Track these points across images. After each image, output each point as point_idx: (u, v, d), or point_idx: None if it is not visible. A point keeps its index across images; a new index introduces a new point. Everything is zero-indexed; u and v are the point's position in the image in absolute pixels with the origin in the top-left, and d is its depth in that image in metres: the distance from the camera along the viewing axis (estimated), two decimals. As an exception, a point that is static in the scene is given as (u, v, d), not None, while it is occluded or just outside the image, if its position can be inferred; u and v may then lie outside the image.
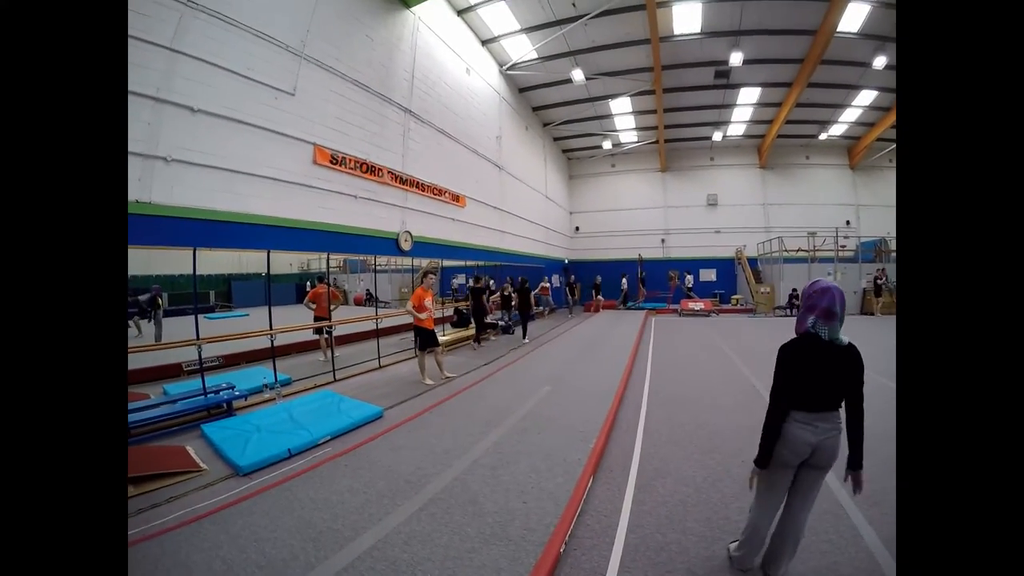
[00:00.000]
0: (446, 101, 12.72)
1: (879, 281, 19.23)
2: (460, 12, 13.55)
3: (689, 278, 23.08)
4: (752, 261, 23.39)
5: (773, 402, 2.40)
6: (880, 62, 15.84)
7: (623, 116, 21.01)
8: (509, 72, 16.50)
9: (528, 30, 14.42)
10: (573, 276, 22.55)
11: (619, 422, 5.37)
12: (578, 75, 15.52)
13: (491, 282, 14.51)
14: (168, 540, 3.02)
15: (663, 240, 25.38)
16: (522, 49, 15.44)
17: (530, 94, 18.81)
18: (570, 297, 20.99)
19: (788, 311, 19.29)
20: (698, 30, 14.48)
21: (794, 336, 2.42)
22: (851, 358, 2.32)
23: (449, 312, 13.34)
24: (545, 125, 21.56)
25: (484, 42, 15.04)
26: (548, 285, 20.31)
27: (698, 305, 20.07)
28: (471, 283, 12.30)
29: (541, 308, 18.09)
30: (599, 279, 21.95)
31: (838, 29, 14.15)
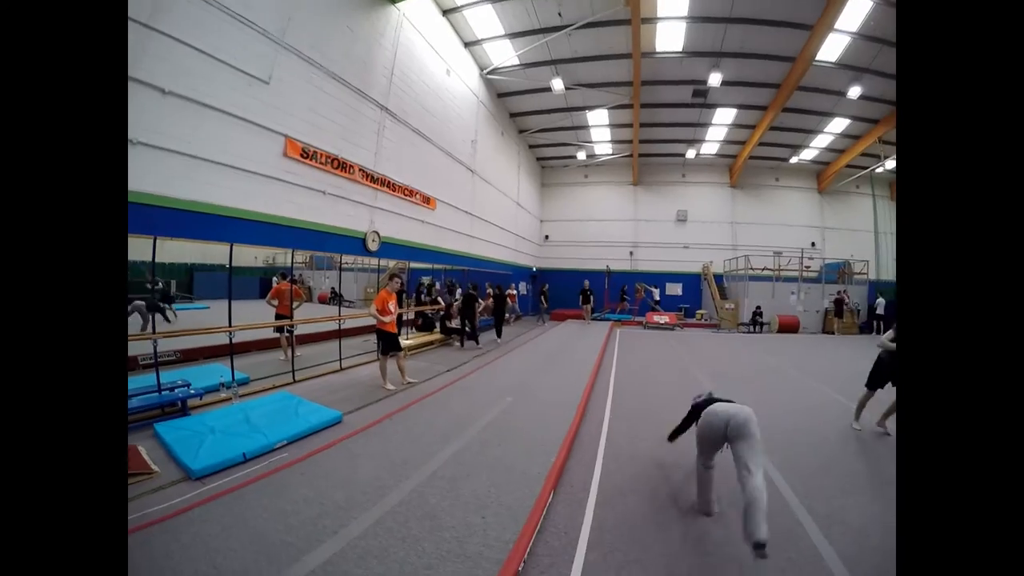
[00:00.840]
0: (423, 101, 12.64)
1: (843, 303, 20.32)
2: (446, 12, 13.55)
3: (656, 291, 23.49)
4: (718, 278, 24.04)
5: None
6: (855, 92, 16.50)
7: (599, 128, 21.31)
8: (489, 76, 16.58)
9: (512, 36, 14.52)
10: (546, 285, 22.69)
11: (581, 436, 5.38)
12: (558, 84, 15.65)
13: (458, 287, 14.60)
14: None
15: (631, 253, 25.84)
16: (504, 54, 15.53)
17: (508, 100, 18.90)
18: (542, 305, 21.22)
19: (751, 328, 19.99)
20: (680, 49, 14.85)
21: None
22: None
23: (414, 316, 13.27)
24: (521, 132, 21.70)
25: (467, 44, 15.06)
26: (515, 292, 20.43)
27: (663, 318, 20.43)
28: (468, 289, 12.45)
29: (508, 315, 18.14)
30: (587, 284, 21.58)
31: (817, 58, 14.71)
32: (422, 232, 12.97)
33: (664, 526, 3.43)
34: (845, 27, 13.47)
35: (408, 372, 7.88)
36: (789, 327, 20.23)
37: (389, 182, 11.21)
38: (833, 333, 20.07)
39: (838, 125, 20.20)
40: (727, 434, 3.20)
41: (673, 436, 3.89)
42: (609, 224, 26.11)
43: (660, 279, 24.80)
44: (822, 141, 22.08)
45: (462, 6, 13.28)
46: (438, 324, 13.15)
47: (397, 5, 10.97)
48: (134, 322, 6.96)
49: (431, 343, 11.89)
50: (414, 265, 13.04)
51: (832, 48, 14.53)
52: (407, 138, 11.99)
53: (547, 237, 26.95)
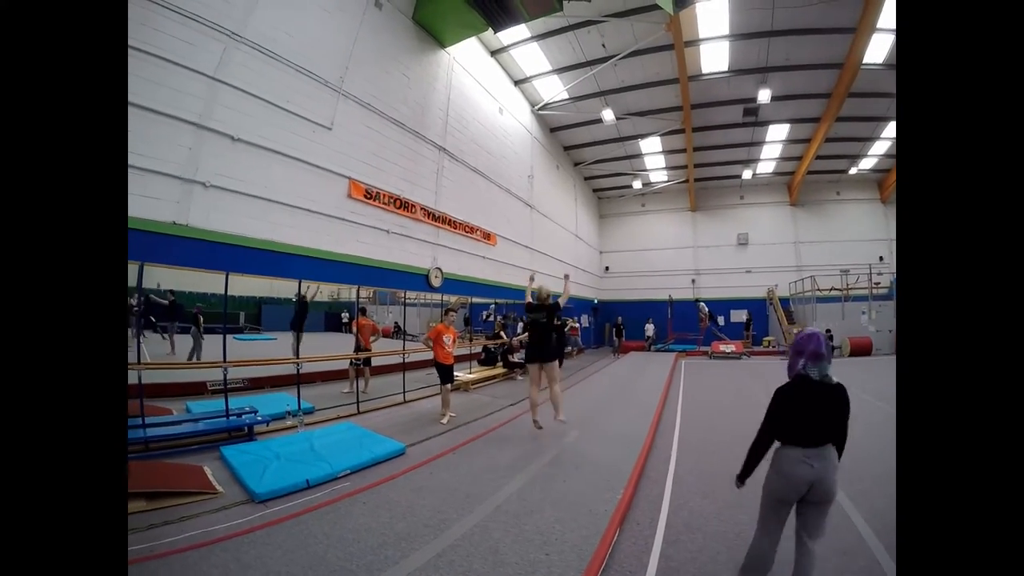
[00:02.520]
0: (479, 140, 12.80)
1: None
2: (493, 53, 13.77)
3: (720, 319, 22.32)
4: (784, 301, 22.53)
5: (761, 432, 2.62)
6: None
7: (653, 155, 20.86)
8: (541, 112, 16.63)
9: (559, 71, 14.57)
10: (620, 318, 21.81)
11: (647, 471, 4.96)
12: (608, 115, 15.53)
13: (520, 320, 14.21)
14: (176, 561, 2.83)
15: (693, 280, 24.74)
16: (553, 89, 15.58)
17: (561, 134, 18.87)
18: (616, 339, 20.54)
19: None
20: (725, 68, 14.46)
21: (787, 380, 2.64)
22: (839, 395, 2.53)
23: (478, 348, 13.14)
24: (576, 164, 21.55)
25: (517, 82, 15.23)
26: (577, 325, 19.96)
27: (729, 347, 19.00)
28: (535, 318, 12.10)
29: (570, 348, 17.65)
30: (620, 320, 21.26)
31: (864, 61, 13.83)
32: (483, 267, 12.93)
33: (733, 567, 3.01)
34: (888, 24, 12.39)
35: (468, 406, 7.58)
36: (861, 349, 18.27)
37: (450, 220, 11.29)
38: None
39: (894, 128, 18.61)
40: (807, 496, 2.52)
41: (743, 476, 2.83)
42: (669, 252, 25.20)
43: (724, 306, 23.39)
44: (880, 148, 20.45)
45: (509, 46, 13.45)
46: (500, 358, 12.91)
47: (447, 49, 11.19)
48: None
49: (494, 377, 11.62)
50: (476, 300, 12.97)
51: (878, 48, 13.54)
52: (465, 176, 12.10)
53: (607, 268, 26.28)
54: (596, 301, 24.63)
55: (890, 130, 18.83)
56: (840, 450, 2.54)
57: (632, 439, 5.94)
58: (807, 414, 2.53)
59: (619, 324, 21.00)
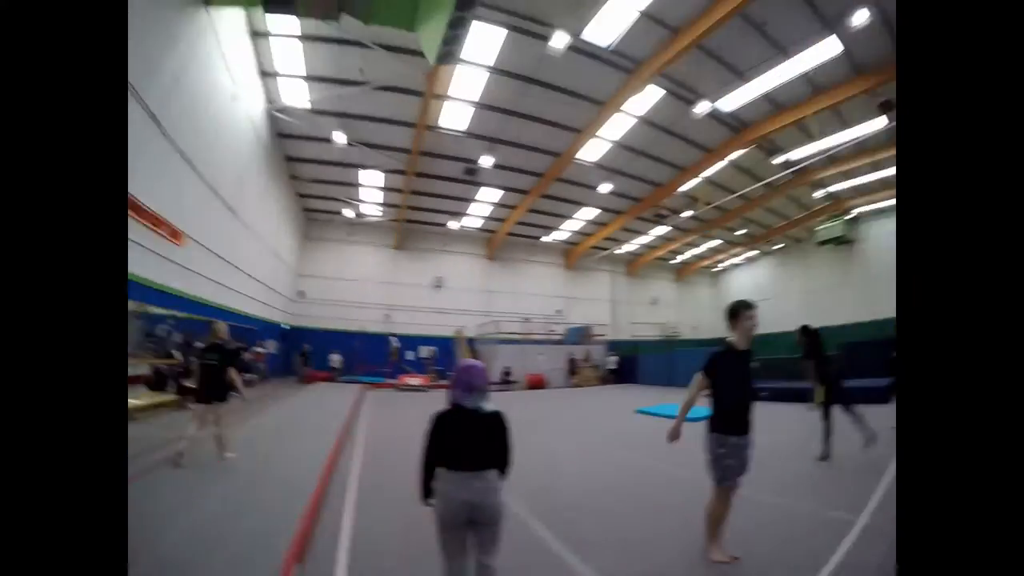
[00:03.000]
0: (198, 121, 10.75)
1: (574, 361, 24.54)
2: (256, 34, 12.63)
3: (410, 354, 24.10)
4: (471, 341, 25.46)
5: (423, 454, 2.76)
6: (606, 188, 20.56)
7: (371, 189, 21.36)
8: (277, 113, 15.52)
9: (311, 78, 14.13)
10: (307, 345, 21.64)
11: (329, 497, 4.75)
12: (340, 138, 15.60)
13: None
14: None
15: (387, 315, 25.84)
16: (297, 95, 14.91)
17: (288, 142, 17.81)
18: (303, 367, 20.18)
19: (502, 386, 21.78)
20: (463, 129, 16.18)
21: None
22: (495, 422, 2.79)
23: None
24: (293, 178, 20.54)
25: (264, 73, 14.09)
26: (263, 351, 18.73)
27: (416, 380, 20.66)
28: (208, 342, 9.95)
29: (253, 376, 16.39)
30: (307, 347, 21.38)
31: (578, 156, 17.70)
32: (164, 270, 10.19)
33: None
34: (607, 136, 16.71)
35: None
36: (537, 384, 22.88)
37: (135, 203, 8.61)
38: (579, 386, 23.63)
39: (588, 213, 24.42)
40: (474, 518, 2.65)
41: (422, 495, 2.82)
42: (368, 285, 25.84)
43: (414, 342, 25.29)
44: (573, 225, 26.35)
45: (272, 34, 12.55)
46: (173, 382, 11.02)
47: (209, 9, 9.87)
48: None
49: (163, 404, 10.03)
50: (154, 310, 10.81)
51: (593, 151, 17.73)
52: (168, 155, 9.72)
53: (302, 293, 24.97)
54: (287, 326, 23.12)
55: (584, 213, 24.19)
56: (504, 472, 2.78)
57: (310, 465, 5.85)
58: (462, 441, 2.72)
59: (305, 352, 20.82)
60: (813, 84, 14.60)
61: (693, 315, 38.29)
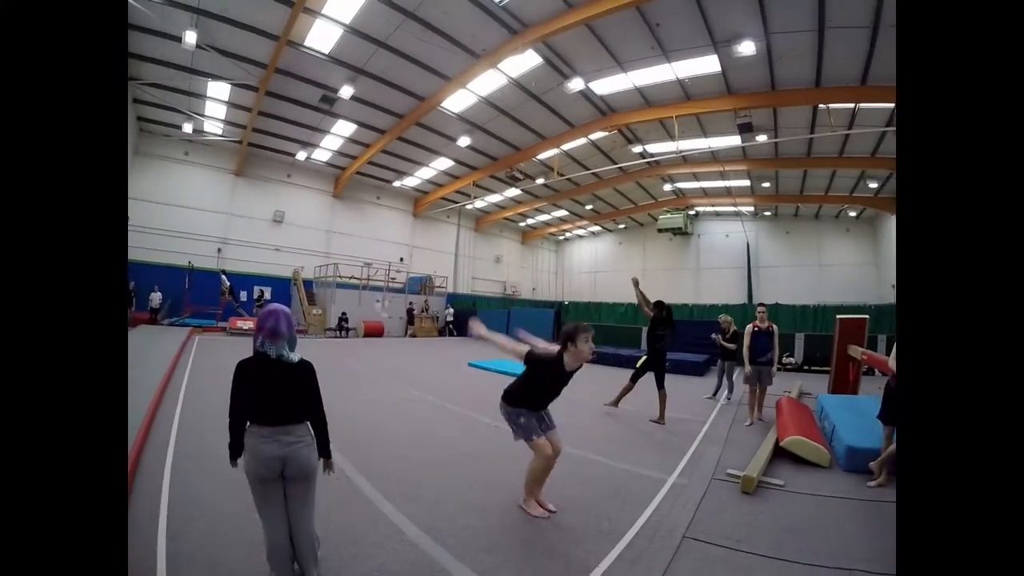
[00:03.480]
0: None
1: (411, 311, 25.19)
2: None
3: (243, 294, 22.44)
4: (308, 283, 24.77)
5: (230, 409, 2.67)
6: (464, 141, 20.68)
7: (216, 103, 18.97)
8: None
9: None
10: (133, 283, 19.01)
11: (143, 465, 4.48)
12: (191, 37, 13.46)
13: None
14: None
15: (219, 249, 23.44)
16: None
17: (132, 34, 14.59)
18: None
19: (338, 333, 21.67)
20: (327, 51, 15.11)
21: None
22: (302, 373, 2.71)
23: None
24: (130, 79, 17.03)
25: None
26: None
27: (248, 324, 19.36)
28: None
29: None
30: (132, 284, 18.86)
31: (442, 105, 17.58)
32: None
33: (241, 541, 3.19)
34: (477, 90, 16.75)
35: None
36: (375, 332, 22.99)
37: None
38: (416, 336, 24.31)
39: (443, 164, 24.32)
40: (286, 473, 2.64)
41: (231, 454, 2.76)
42: (202, 214, 22.80)
43: (248, 281, 23.51)
44: (426, 173, 26.13)
45: None
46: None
47: None
48: None
49: None
50: None
51: (459, 102, 17.66)
52: None
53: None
54: None
55: (439, 163, 24.03)
56: (317, 426, 2.75)
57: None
58: (268, 392, 2.62)
59: (131, 289, 18.43)
60: (685, 90, 16.15)
61: (533, 277, 41.22)
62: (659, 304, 7.90)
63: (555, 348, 3.87)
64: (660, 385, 7.50)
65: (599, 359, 15.44)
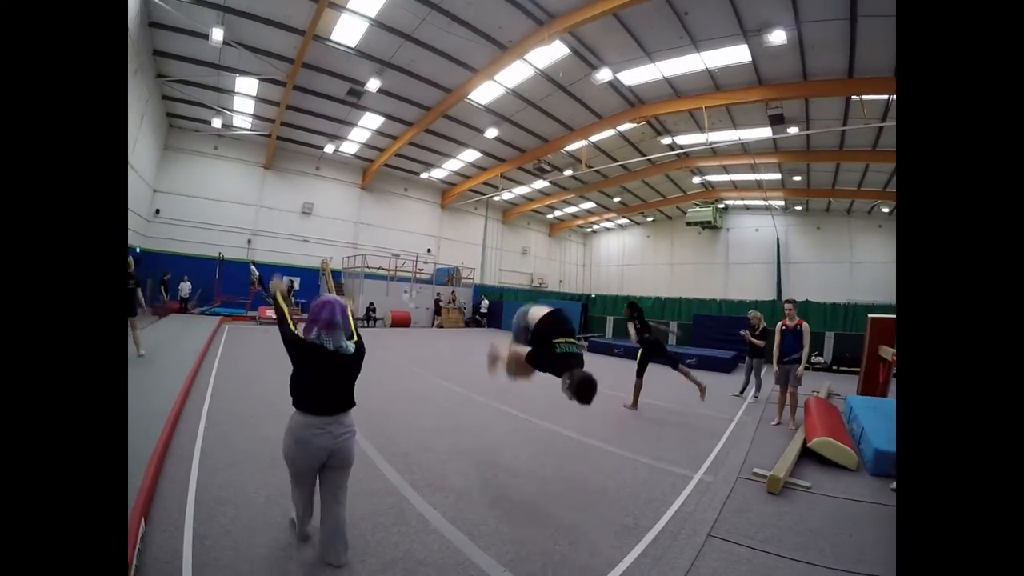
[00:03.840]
0: None
1: (438, 303, 25.38)
2: None
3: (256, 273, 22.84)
4: (336, 274, 24.95)
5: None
6: (492, 133, 20.69)
7: (244, 97, 19.24)
8: (153, -2, 13.17)
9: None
10: (168, 273, 19.60)
11: (172, 450, 4.54)
12: (218, 34, 13.74)
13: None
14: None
15: (249, 241, 23.89)
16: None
17: (159, 33, 15.23)
18: (162, 297, 18.69)
19: (365, 322, 21.89)
20: (353, 45, 15.21)
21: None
22: (358, 356, 2.77)
23: None
24: (159, 76, 17.68)
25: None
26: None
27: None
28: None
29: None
30: (167, 275, 19.48)
31: (470, 97, 17.59)
32: None
33: (268, 528, 3.27)
34: (504, 81, 16.73)
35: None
36: (402, 322, 23.25)
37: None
38: (442, 327, 24.55)
39: (470, 156, 24.38)
40: (328, 463, 2.78)
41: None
42: (231, 206, 23.27)
43: (276, 271, 23.27)
44: (453, 166, 26.21)
45: None
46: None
47: None
48: None
49: None
50: None
51: (486, 93, 17.66)
52: None
53: (158, 211, 21.72)
54: (139, 249, 19.71)
55: (466, 155, 24.08)
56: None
57: (153, 417, 5.01)
58: (324, 384, 2.69)
59: (165, 279, 19.03)
60: (715, 81, 15.90)
61: (561, 269, 41.15)
62: (631, 306, 8.74)
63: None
64: (675, 365, 8.15)
65: (625, 353, 15.48)
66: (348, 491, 2.93)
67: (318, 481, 2.85)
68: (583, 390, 3.68)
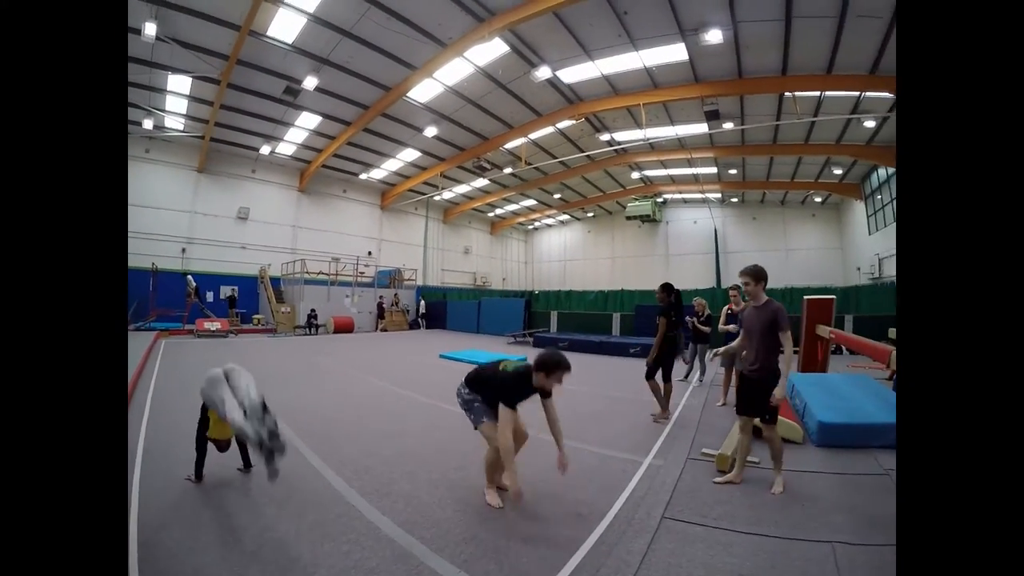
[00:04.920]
0: None
1: (381, 305, 24.94)
2: None
3: (209, 294, 21.83)
4: (275, 281, 24.21)
5: None
6: (431, 131, 20.52)
7: (177, 97, 18.18)
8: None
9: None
10: None
11: None
12: (151, 29, 12.90)
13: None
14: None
15: (184, 250, 22.59)
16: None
17: None
18: None
19: (307, 330, 21.25)
20: (290, 41, 14.75)
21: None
22: None
23: None
24: None
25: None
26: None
27: (215, 325, 19.00)
28: None
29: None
30: None
31: (409, 95, 17.32)
32: None
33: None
34: (443, 79, 16.54)
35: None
36: (345, 327, 22.62)
37: None
38: (386, 331, 23.99)
39: (410, 155, 24.10)
40: (225, 372, 3.86)
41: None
42: (164, 213, 21.83)
43: (213, 281, 22.84)
44: (392, 165, 25.81)
45: None
46: None
47: None
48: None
49: None
50: None
51: (425, 91, 17.44)
52: None
53: None
54: None
55: (406, 154, 23.79)
56: None
57: None
58: None
59: None
60: (653, 78, 16.25)
61: (503, 267, 41.39)
62: (667, 288, 7.07)
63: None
64: (667, 378, 6.81)
65: (570, 346, 15.55)
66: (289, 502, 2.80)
67: None
68: (549, 358, 3.58)
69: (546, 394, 3.70)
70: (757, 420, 4.21)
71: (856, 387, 6.68)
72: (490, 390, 3.75)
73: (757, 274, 4.23)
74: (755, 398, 4.12)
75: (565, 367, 3.58)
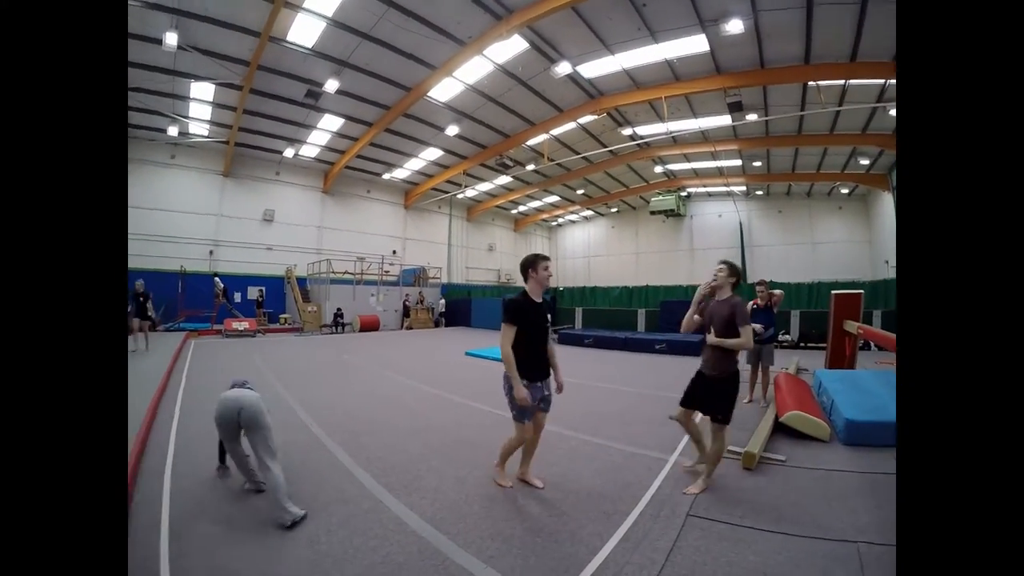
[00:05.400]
0: None
1: (406, 305, 25.35)
2: None
3: (236, 295, 22.26)
4: (301, 281, 24.63)
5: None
6: (453, 130, 20.62)
7: (200, 103, 18.51)
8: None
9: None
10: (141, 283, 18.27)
11: (143, 471, 4.38)
12: (172, 39, 13.24)
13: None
14: None
15: (211, 252, 23.05)
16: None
17: None
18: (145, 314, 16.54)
19: (333, 329, 21.62)
20: (310, 46, 14.90)
21: None
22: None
23: None
24: None
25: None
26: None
27: (243, 325, 19.47)
28: None
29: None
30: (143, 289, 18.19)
31: (429, 94, 17.47)
32: None
33: (241, 542, 3.19)
34: (463, 78, 16.63)
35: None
36: (370, 326, 23.01)
37: None
38: (412, 328, 24.45)
39: (432, 154, 24.24)
40: (240, 422, 3.61)
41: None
42: (191, 217, 22.31)
43: (240, 282, 23.27)
44: (415, 164, 26.04)
45: None
46: None
47: None
48: None
49: None
50: None
51: (445, 90, 17.54)
52: None
53: None
54: None
55: (428, 153, 23.88)
56: None
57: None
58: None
59: (146, 295, 18.11)
60: (674, 71, 16.06)
61: None
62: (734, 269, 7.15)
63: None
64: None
65: (595, 342, 15.54)
66: (316, 497, 2.93)
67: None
68: (525, 260, 3.95)
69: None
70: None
71: (884, 384, 6.51)
72: (524, 345, 3.77)
73: (732, 267, 4.23)
74: (707, 398, 4.18)
75: (541, 256, 3.92)
